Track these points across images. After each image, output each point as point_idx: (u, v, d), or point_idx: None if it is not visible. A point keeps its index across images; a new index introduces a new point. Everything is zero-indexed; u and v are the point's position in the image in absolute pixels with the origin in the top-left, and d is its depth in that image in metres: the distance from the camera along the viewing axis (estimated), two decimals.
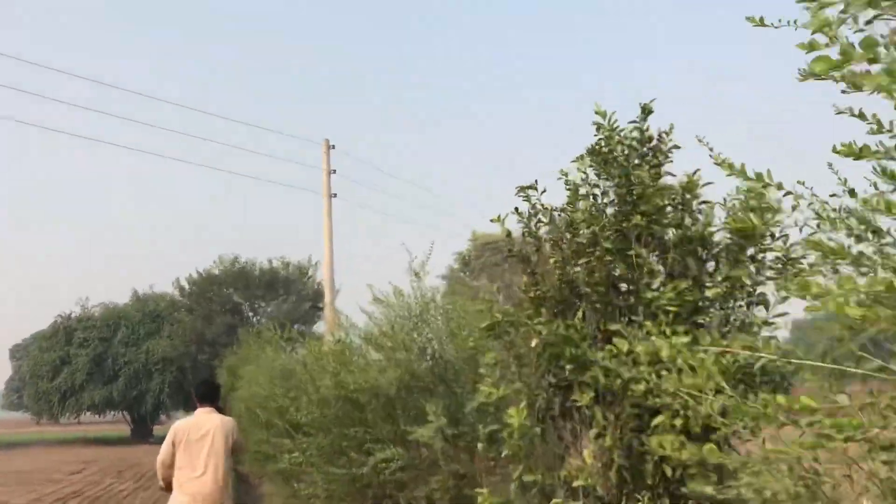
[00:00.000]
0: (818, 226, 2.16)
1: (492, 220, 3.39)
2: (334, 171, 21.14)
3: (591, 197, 3.06)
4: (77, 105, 43.45)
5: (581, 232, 3.00)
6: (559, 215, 3.20)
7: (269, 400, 11.84)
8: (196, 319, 38.01)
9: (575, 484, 2.66)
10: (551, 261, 3.08)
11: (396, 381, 4.76)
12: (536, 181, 3.29)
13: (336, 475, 5.00)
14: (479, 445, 4.28)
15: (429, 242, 5.75)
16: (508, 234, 3.41)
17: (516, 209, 3.30)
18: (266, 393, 12.81)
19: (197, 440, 5.96)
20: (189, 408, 42.89)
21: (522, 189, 3.29)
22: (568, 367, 2.81)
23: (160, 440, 25.91)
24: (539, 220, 3.29)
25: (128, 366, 40.14)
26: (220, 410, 6.52)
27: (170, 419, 48.32)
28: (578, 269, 2.98)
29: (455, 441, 4.50)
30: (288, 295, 38.97)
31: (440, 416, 4.42)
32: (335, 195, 20.80)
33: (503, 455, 2.93)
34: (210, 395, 6.45)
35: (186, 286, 38.88)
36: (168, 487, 6.23)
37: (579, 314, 2.92)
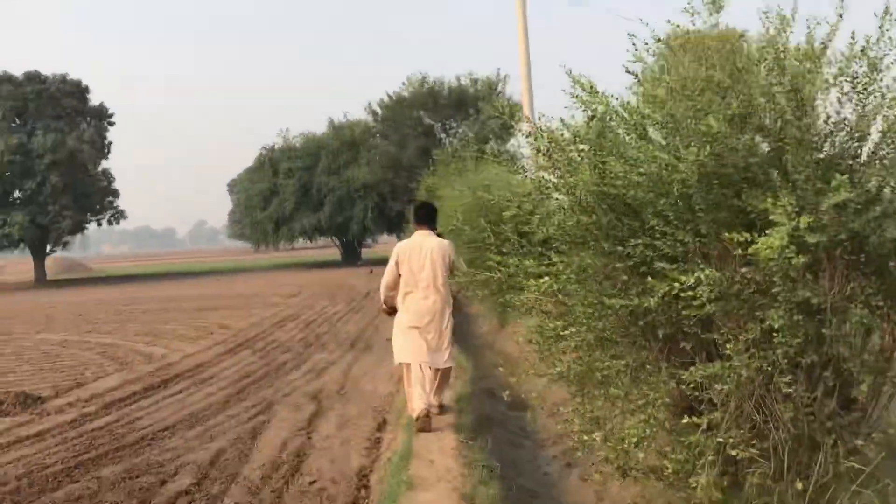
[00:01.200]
0: None
1: None
2: None
3: None
4: None
5: None
6: None
7: (489, 211, 10.68)
8: (390, 145, 37.85)
9: None
10: None
11: (702, 167, 3.02)
12: None
13: (609, 309, 3.46)
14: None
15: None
16: None
17: None
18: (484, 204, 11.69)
19: (418, 260, 6.03)
20: (393, 231, 44.33)
21: None
22: None
23: (368, 263, 26.32)
24: None
25: (331, 193, 41.30)
26: (438, 234, 6.54)
27: (375, 244, 50.35)
28: None
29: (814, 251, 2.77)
30: (478, 113, 37.54)
31: (792, 215, 2.67)
32: None
33: None
34: (428, 217, 6.39)
35: (378, 111, 38.44)
36: (390, 311, 6.36)
37: None
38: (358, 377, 8.92)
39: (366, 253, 49.40)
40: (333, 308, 17.90)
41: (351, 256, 46.40)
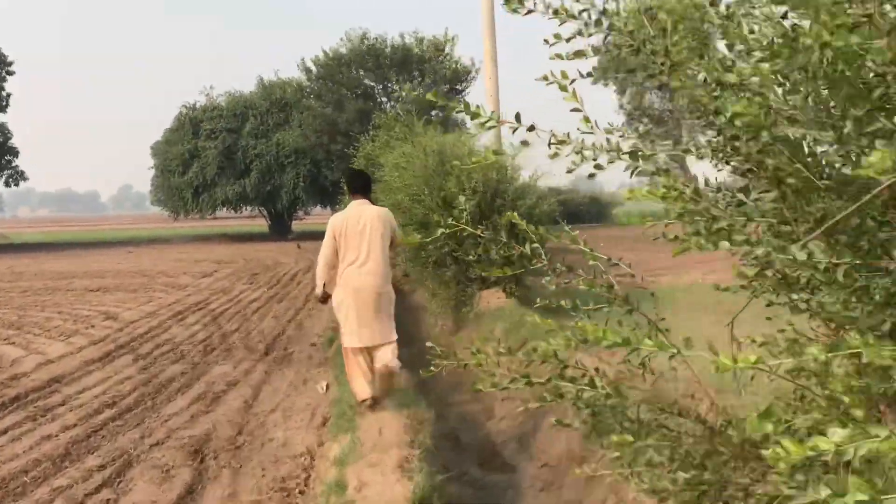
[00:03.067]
0: None
1: None
2: None
3: None
4: None
5: None
6: None
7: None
8: (326, 106, 34.97)
9: None
10: None
11: None
12: None
13: None
14: None
15: None
16: None
17: None
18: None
19: (355, 233, 5.83)
20: (327, 202, 41.57)
21: None
22: None
23: (299, 237, 23.49)
24: None
25: (259, 159, 38.31)
26: (373, 202, 6.30)
27: (307, 215, 47.37)
28: None
29: None
30: (423, 76, 34.99)
31: None
32: None
33: None
34: (364, 186, 6.23)
35: (313, 68, 35.42)
36: (324, 299, 6.01)
37: None
38: (265, 413, 6.50)
39: (297, 226, 46.49)
40: (252, 293, 15.38)
41: (280, 229, 43.47)
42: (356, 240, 5.82)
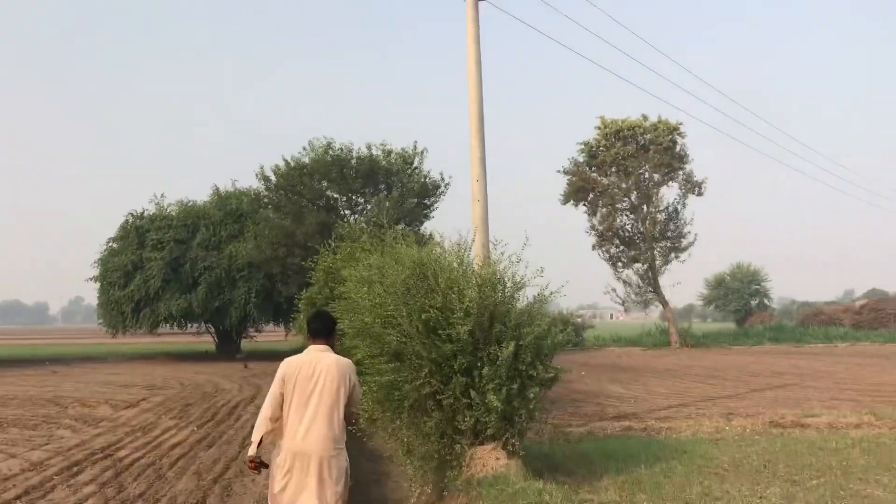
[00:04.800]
0: None
1: None
2: None
3: None
4: None
5: None
6: None
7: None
8: (285, 218, 32.92)
9: None
10: None
11: None
12: None
13: None
14: None
15: None
16: None
17: None
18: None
19: (306, 384, 5.13)
20: (281, 319, 38.90)
21: None
22: None
23: (248, 357, 20.63)
24: None
25: (208, 272, 35.83)
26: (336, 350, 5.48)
27: (259, 333, 44.43)
28: None
29: None
30: (390, 188, 33.34)
31: None
32: None
33: None
34: (325, 329, 5.51)
35: (273, 178, 33.54)
36: (258, 466, 5.06)
37: None
38: None
39: (246, 345, 43.55)
40: (177, 434, 12.68)
41: (228, 348, 40.49)
42: (306, 392, 5.12)
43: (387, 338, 8.18)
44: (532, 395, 7.78)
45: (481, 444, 7.85)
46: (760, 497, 7.50)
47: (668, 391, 18.89)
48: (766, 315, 74.38)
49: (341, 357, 5.42)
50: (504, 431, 7.72)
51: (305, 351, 5.39)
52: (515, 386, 7.59)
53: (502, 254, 8.47)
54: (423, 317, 7.85)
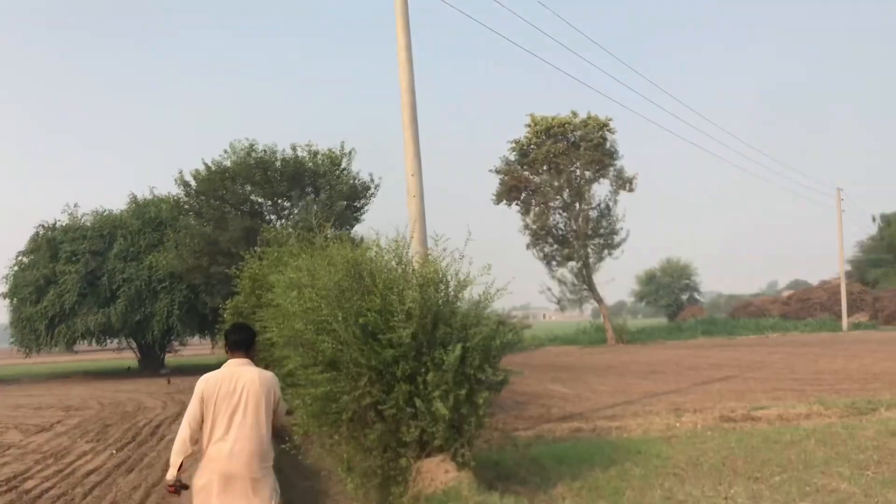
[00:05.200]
0: None
1: None
2: None
3: None
4: None
5: None
6: None
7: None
8: (207, 225, 31.64)
9: None
10: None
11: None
12: None
13: None
14: None
15: None
16: None
17: None
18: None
19: (226, 401, 4.83)
20: (206, 331, 37.55)
21: None
22: None
23: (173, 372, 19.69)
24: None
25: (127, 284, 34.33)
26: (256, 362, 5.26)
27: (184, 346, 42.88)
28: None
29: None
30: (318, 191, 32.41)
31: None
32: None
33: None
34: (245, 342, 5.21)
35: (193, 183, 32.23)
36: (178, 488, 4.82)
37: None
38: None
39: (171, 359, 42.00)
40: (94, 459, 11.73)
41: (151, 363, 38.91)
42: (228, 410, 4.85)
43: (321, 345, 7.51)
44: (481, 401, 7.25)
45: (428, 456, 7.29)
46: (725, 498, 7.14)
47: (610, 388, 18.65)
48: (697, 309, 75.97)
49: (263, 370, 5.17)
50: (453, 441, 7.17)
51: (224, 365, 5.10)
52: (463, 391, 7.04)
53: (444, 250, 7.89)
54: (360, 321, 7.24)
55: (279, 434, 5.18)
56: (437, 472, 7.04)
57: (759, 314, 61.39)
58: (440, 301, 7.54)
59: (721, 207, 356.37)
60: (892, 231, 65.34)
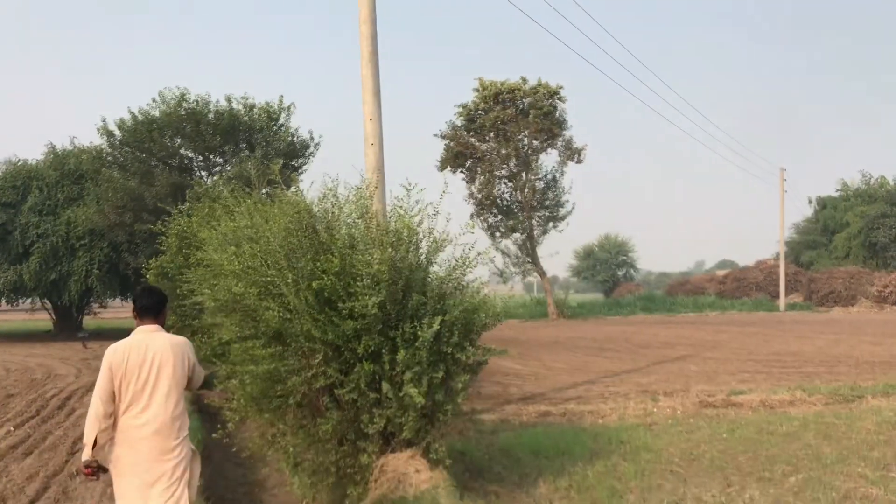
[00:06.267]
0: None
1: None
2: None
3: None
4: None
5: None
6: None
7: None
8: (131, 178, 29.49)
9: None
10: None
11: None
12: None
13: None
14: None
15: None
16: None
17: None
18: None
19: (137, 371, 4.62)
20: (129, 293, 35.44)
21: None
22: None
23: (92, 336, 17.56)
24: None
25: (42, 240, 31.93)
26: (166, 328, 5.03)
27: (104, 308, 40.57)
28: None
29: None
30: (253, 147, 30.54)
31: None
32: None
33: None
34: (154, 307, 4.95)
35: (118, 133, 29.99)
36: (94, 471, 4.53)
37: None
38: None
39: (89, 322, 39.73)
40: None
41: (68, 326, 36.61)
42: (140, 380, 4.59)
43: (264, 313, 6.20)
44: (460, 386, 6.07)
45: (394, 451, 6.09)
46: None
47: (565, 366, 17.74)
48: (634, 285, 76.39)
49: (175, 335, 4.93)
50: (424, 434, 5.98)
51: (133, 333, 4.82)
52: (439, 374, 5.84)
53: (417, 203, 6.60)
54: (314, 285, 5.94)
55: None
56: (406, 471, 5.84)
57: (696, 292, 61.83)
58: (412, 265, 6.30)
59: (660, 184, 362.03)
60: (828, 213, 66.39)
